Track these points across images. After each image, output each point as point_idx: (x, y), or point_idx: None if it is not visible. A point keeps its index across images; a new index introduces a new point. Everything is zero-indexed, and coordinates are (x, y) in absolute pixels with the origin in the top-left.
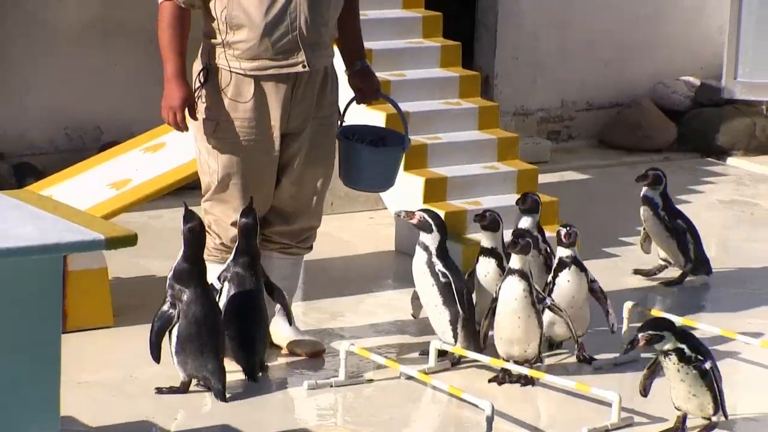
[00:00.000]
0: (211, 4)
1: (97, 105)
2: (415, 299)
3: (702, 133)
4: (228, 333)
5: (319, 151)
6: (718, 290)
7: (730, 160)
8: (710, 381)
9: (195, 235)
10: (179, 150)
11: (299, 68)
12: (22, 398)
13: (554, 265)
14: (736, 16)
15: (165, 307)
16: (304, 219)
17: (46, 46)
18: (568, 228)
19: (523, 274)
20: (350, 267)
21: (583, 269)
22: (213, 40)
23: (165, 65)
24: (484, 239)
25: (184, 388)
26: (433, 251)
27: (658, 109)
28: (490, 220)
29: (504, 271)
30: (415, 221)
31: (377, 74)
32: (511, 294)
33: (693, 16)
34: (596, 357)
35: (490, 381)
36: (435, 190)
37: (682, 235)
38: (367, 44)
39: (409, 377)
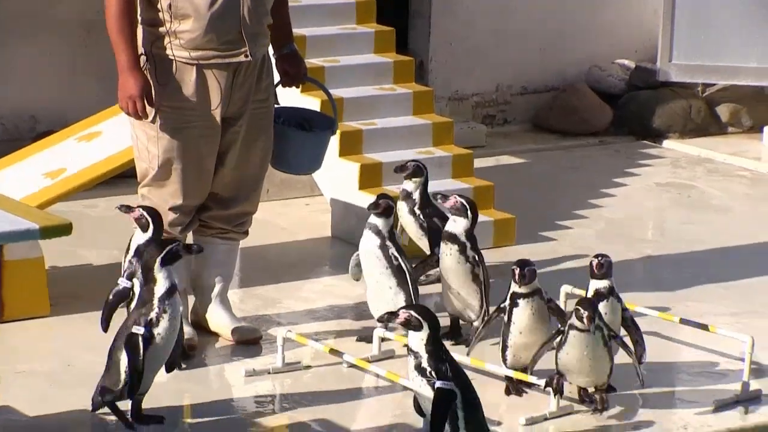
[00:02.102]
0: None
1: (32, 94)
2: (356, 266)
3: (638, 115)
4: None
5: (257, 135)
6: (655, 273)
7: (666, 143)
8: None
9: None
10: (114, 138)
11: (242, 58)
12: None
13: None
14: None
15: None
16: (242, 204)
17: None
18: (600, 258)
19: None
20: (287, 253)
21: (619, 300)
22: (156, 28)
23: (118, 56)
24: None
25: None
26: (386, 235)
27: (594, 93)
28: (412, 169)
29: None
30: (380, 210)
31: (311, 60)
32: (581, 343)
33: (627, 0)
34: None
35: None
36: (370, 175)
37: (435, 234)
38: (301, 30)
39: (351, 365)
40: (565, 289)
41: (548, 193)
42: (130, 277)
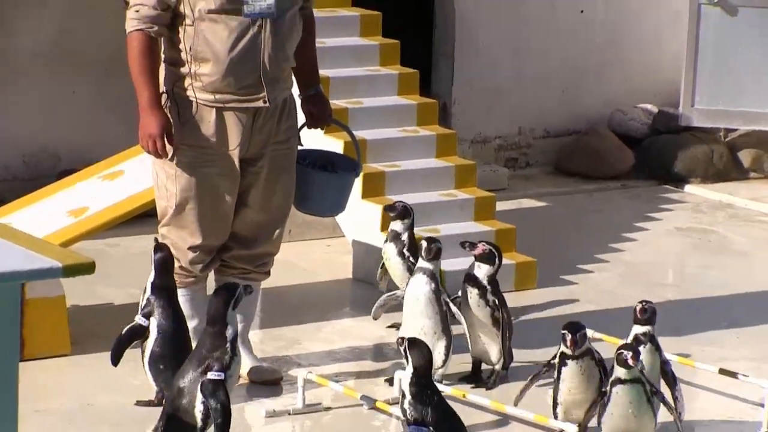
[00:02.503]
0: (178, 35)
1: (54, 132)
2: (380, 306)
3: (659, 160)
4: (165, 368)
5: (278, 176)
6: (675, 317)
7: (688, 188)
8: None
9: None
10: (137, 178)
11: (260, 103)
12: None
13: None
14: (694, 43)
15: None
16: (263, 244)
17: (0, 74)
18: (644, 304)
19: (637, 380)
20: (308, 294)
21: (658, 348)
22: (177, 69)
23: (139, 95)
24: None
25: (158, 401)
26: (437, 279)
27: (615, 136)
28: (400, 210)
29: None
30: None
31: (335, 101)
32: (625, 398)
33: (649, 44)
34: None
35: None
36: None
37: None
38: (325, 71)
39: (372, 407)
40: (588, 333)
41: (569, 237)
42: (147, 316)
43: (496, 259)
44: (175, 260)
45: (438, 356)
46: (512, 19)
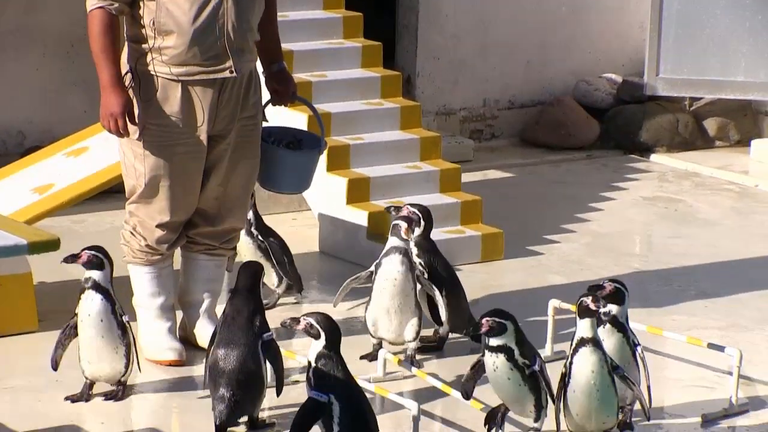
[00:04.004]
0: (139, 11)
1: (19, 110)
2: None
3: (625, 130)
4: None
5: (245, 152)
6: (643, 287)
7: (654, 157)
8: (536, 384)
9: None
10: (102, 154)
11: (227, 74)
12: None
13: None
14: (658, 12)
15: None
16: (229, 220)
17: None
18: (612, 283)
19: (596, 343)
20: None
21: (621, 330)
22: (139, 45)
23: (100, 73)
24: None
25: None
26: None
27: (581, 107)
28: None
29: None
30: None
31: (298, 75)
32: (586, 366)
33: (613, 14)
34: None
35: None
36: (358, 190)
37: (278, 254)
38: (288, 45)
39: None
40: (554, 303)
41: (536, 208)
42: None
43: (422, 222)
44: (142, 239)
45: (411, 330)
46: None
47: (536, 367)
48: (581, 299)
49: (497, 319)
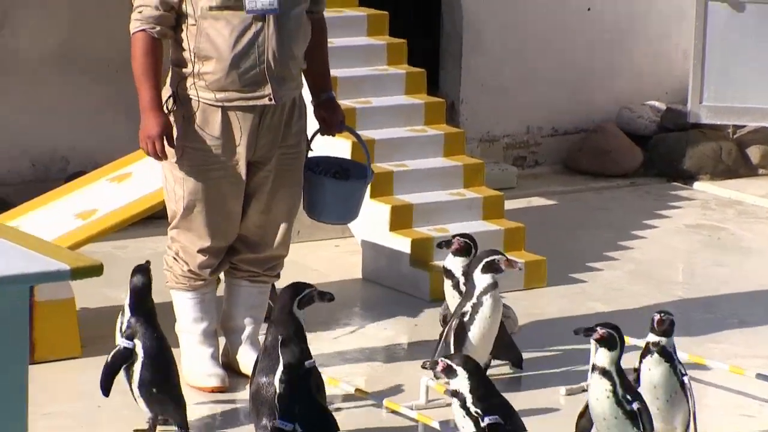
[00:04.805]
0: (182, 35)
1: (62, 135)
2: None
3: (668, 157)
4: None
5: (286, 180)
6: (685, 315)
7: (697, 185)
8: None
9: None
10: (145, 180)
11: (266, 101)
12: None
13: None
14: (701, 40)
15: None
16: (272, 248)
17: (7, 76)
18: (662, 315)
19: (604, 372)
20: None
21: (672, 360)
22: (181, 69)
23: (140, 95)
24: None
25: (152, 428)
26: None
27: (624, 134)
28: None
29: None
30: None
31: (343, 102)
32: (594, 394)
33: (657, 41)
34: None
35: None
36: (401, 217)
37: None
38: (332, 71)
39: (393, 411)
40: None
41: (579, 235)
42: (130, 337)
43: (472, 250)
44: (184, 264)
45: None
46: (519, 17)
47: (635, 406)
48: (608, 332)
49: (612, 332)
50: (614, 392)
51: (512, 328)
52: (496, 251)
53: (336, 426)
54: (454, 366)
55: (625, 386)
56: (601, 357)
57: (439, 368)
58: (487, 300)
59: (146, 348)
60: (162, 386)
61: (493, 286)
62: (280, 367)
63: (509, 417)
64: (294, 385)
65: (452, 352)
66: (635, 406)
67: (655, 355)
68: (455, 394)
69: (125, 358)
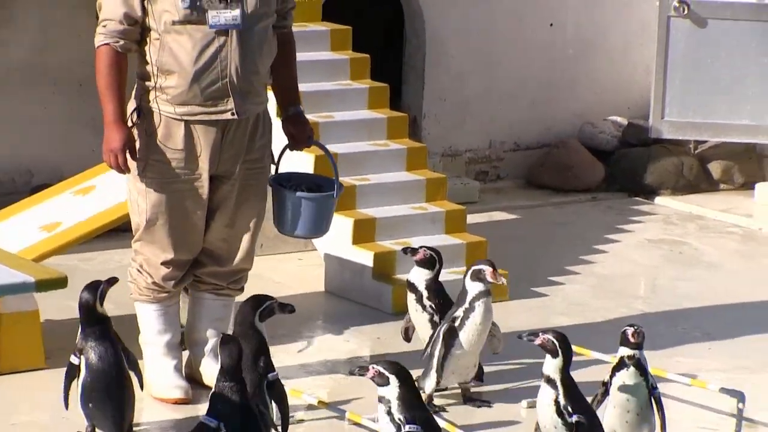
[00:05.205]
0: (146, 48)
1: (27, 148)
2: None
3: (630, 172)
4: (93, 406)
5: (250, 194)
6: (647, 329)
7: (658, 200)
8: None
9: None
10: (109, 193)
11: (228, 115)
12: None
13: (613, 364)
14: (663, 56)
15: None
16: (236, 261)
17: None
18: (636, 328)
19: (549, 380)
20: None
21: (645, 373)
22: (145, 83)
23: (104, 109)
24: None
25: None
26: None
27: (586, 149)
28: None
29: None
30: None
31: (306, 116)
32: (539, 401)
33: (619, 57)
34: None
35: None
36: (363, 231)
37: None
38: None
39: (355, 423)
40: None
41: (540, 249)
42: (78, 353)
43: (436, 264)
44: (148, 276)
45: (474, 371)
46: (482, 32)
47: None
48: (547, 338)
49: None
50: (556, 401)
51: (497, 347)
52: (488, 261)
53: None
54: (387, 374)
55: (571, 397)
56: (546, 364)
57: (369, 374)
58: (479, 306)
59: (88, 364)
60: (98, 401)
61: (486, 293)
62: (218, 367)
63: (432, 429)
64: (229, 386)
65: (441, 357)
66: (574, 419)
67: (631, 368)
68: (381, 399)
69: (71, 372)
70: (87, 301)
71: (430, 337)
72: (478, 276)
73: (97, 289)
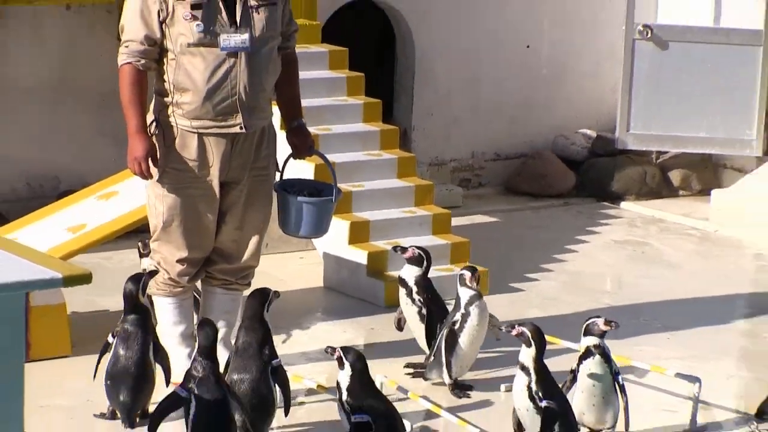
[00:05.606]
0: (164, 67)
1: (55, 157)
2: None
3: (598, 180)
4: (111, 383)
5: (256, 199)
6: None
7: (624, 204)
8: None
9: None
10: (129, 198)
11: (237, 129)
12: None
13: (580, 354)
14: (629, 75)
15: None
16: (244, 259)
17: (5, 104)
18: (605, 319)
19: (523, 367)
20: (284, 301)
21: (609, 360)
22: (162, 98)
23: (128, 121)
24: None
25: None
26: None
27: (559, 159)
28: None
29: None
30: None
31: (307, 128)
32: (514, 386)
33: (589, 76)
34: None
35: None
36: (359, 232)
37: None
38: None
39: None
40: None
41: (517, 249)
42: (113, 335)
43: (424, 262)
44: (165, 272)
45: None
46: (466, 54)
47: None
48: (522, 330)
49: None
50: (529, 387)
51: (498, 334)
52: (469, 267)
53: (228, 411)
54: (344, 360)
55: (543, 383)
56: (522, 353)
57: (335, 356)
58: (473, 310)
59: (116, 345)
60: (116, 381)
61: (477, 296)
62: (195, 346)
63: (383, 420)
64: (202, 363)
65: (443, 358)
66: (544, 404)
67: (597, 356)
68: (337, 385)
69: (104, 349)
70: (131, 291)
71: (430, 340)
72: (461, 281)
73: (140, 280)
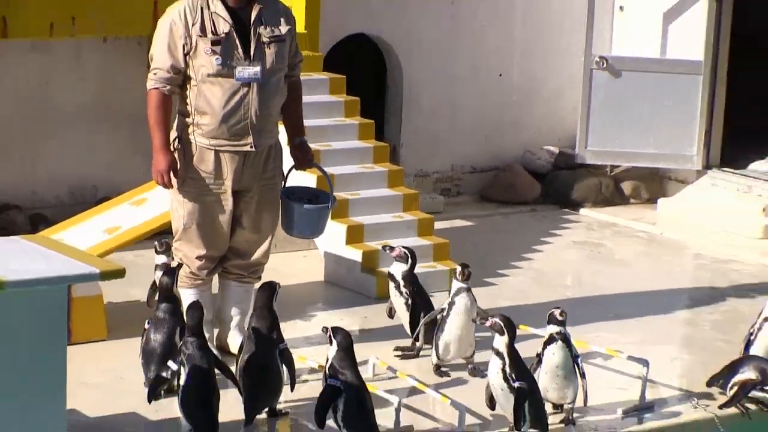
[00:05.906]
0: (186, 92)
1: (93, 169)
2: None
3: (560, 190)
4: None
5: (266, 205)
6: (573, 310)
7: (582, 211)
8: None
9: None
10: (157, 204)
11: (248, 148)
12: (37, 395)
13: (544, 339)
14: (587, 99)
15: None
16: (256, 257)
17: (51, 124)
18: (561, 309)
19: (498, 353)
20: (289, 293)
21: (570, 344)
22: (184, 119)
23: (153, 138)
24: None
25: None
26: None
27: (527, 172)
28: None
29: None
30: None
31: (310, 144)
32: (490, 369)
33: (553, 100)
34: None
35: None
36: (355, 234)
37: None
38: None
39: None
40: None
41: (491, 249)
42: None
43: (409, 260)
44: (187, 267)
45: (471, 348)
46: (447, 81)
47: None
48: (495, 321)
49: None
50: (503, 370)
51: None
52: (462, 264)
53: (213, 378)
54: (333, 338)
55: (515, 366)
56: (495, 341)
57: (326, 334)
58: (458, 300)
59: (148, 329)
60: (146, 356)
61: (464, 289)
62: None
63: (353, 391)
64: (190, 341)
65: (433, 342)
66: (517, 384)
67: (559, 341)
68: (326, 358)
69: (143, 333)
70: (167, 284)
71: (414, 326)
72: (454, 275)
73: (174, 274)
